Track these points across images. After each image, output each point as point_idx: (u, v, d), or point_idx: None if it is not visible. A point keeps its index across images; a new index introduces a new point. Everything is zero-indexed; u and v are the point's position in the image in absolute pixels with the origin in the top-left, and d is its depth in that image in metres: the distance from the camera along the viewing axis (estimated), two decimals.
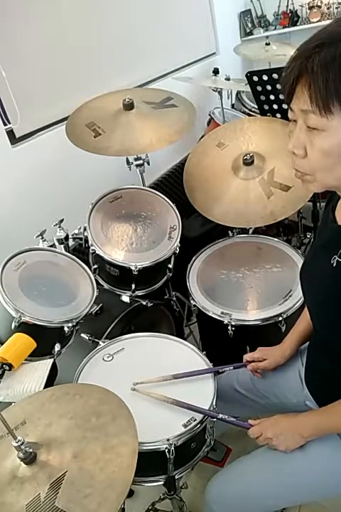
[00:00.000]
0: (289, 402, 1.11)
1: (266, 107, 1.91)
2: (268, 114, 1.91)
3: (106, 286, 1.50)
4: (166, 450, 0.91)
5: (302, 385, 1.07)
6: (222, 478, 1.06)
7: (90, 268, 1.42)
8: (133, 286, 1.46)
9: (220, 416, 0.98)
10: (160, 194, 1.63)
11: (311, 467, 0.94)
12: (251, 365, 1.14)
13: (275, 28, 3.57)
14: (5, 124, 1.66)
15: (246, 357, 1.16)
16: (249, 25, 3.56)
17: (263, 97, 1.88)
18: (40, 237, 1.39)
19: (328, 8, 3.30)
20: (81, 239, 1.49)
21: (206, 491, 1.06)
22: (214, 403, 1.01)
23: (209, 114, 2.45)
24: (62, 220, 1.47)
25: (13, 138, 1.70)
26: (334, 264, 0.79)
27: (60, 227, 1.46)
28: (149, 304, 1.46)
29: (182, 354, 1.17)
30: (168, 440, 0.92)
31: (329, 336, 0.88)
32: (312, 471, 0.94)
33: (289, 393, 1.11)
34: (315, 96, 0.66)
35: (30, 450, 0.73)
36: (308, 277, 0.93)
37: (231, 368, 1.15)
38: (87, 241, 1.45)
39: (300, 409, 1.05)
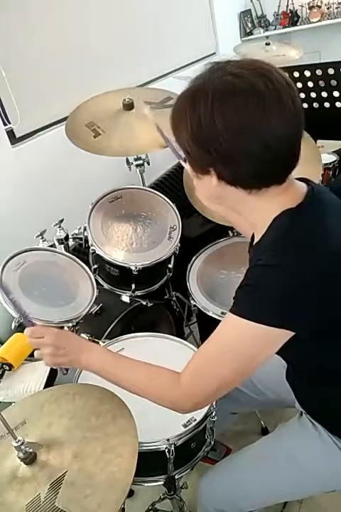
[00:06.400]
0: (286, 398, 1.10)
1: None
2: None
3: (106, 286, 1.50)
4: (166, 450, 0.91)
5: None
6: (212, 476, 1.06)
7: (90, 268, 1.42)
8: (133, 286, 1.46)
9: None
10: (160, 194, 1.63)
11: (300, 465, 0.93)
12: None
13: (275, 28, 3.56)
14: (5, 124, 1.66)
15: None
16: (249, 25, 3.56)
17: None
18: (40, 237, 1.39)
19: (328, 8, 3.29)
20: (81, 239, 1.49)
21: (197, 488, 1.05)
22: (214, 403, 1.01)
23: None
24: (62, 220, 1.47)
25: (13, 138, 1.70)
26: None
27: (60, 227, 1.46)
28: (149, 304, 1.46)
29: (182, 354, 1.17)
30: (168, 440, 0.92)
31: None
32: (301, 468, 0.93)
33: (285, 389, 1.11)
34: None
35: (30, 450, 0.73)
36: None
37: None
38: (87, 241, 1.45)
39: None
